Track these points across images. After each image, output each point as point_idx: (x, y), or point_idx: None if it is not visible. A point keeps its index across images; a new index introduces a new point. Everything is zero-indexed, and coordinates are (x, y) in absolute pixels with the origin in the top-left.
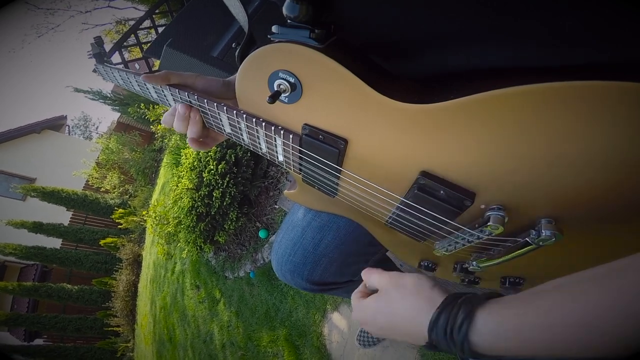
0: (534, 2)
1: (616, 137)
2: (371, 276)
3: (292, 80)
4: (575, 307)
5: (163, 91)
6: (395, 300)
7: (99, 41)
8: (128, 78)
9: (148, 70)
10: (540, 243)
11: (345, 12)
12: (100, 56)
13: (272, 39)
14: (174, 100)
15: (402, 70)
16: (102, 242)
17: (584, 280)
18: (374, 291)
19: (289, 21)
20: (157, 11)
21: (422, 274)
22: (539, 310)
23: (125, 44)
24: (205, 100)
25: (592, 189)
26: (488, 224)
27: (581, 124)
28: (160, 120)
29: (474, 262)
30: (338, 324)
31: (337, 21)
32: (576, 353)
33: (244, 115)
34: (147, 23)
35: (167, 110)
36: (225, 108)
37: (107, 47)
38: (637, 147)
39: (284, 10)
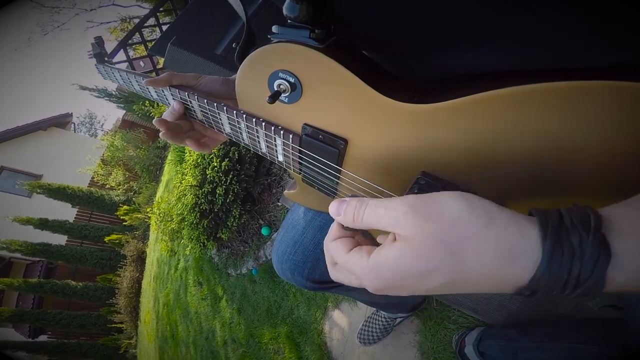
0: (533, 3)
1: (616, 135)
2: (365, 211)
3: (292, 80)
4: None
5: (163, 91)
6: (456, 247)
7: (99, 41)
8: (128, 78)
9: (153, 68)
10: None
11: (345, 13)
12: (101, 56)
13: (272, 39)
14: (173, 99)
15: (402, 70)
16: (106, 239)
17: None
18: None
19: (289, 21)
20: (161, 9)
21: (455, 192)
22: None
23: (129, 42)
24: (205, 100)
25: (592, 187)
26: None
27: (580, 124)
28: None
29: None
30: (339, 322)
31: (337, 21)
32: None
33: (244, 115)
34: (151, 21)
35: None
36: (225, 108)
37: (112, 45)
38: (636, 145)
39: (284, 10)
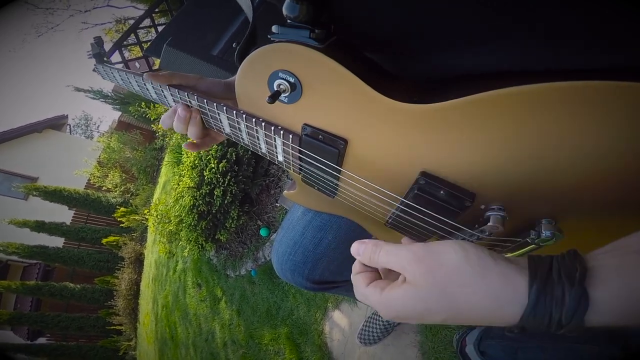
0: (533, 3)
1: (616, 135)
2: (379, 256)
3: (292, 80)
4: None
5: (163, 91)
6: (451, 292)
7: (98, 41)
8: (128, 78)
9: (148, 69)
10: (540, 243)
11: (345, 13)
12: (100, 56)
13: (272, 39)
14: (173, 100)
15: (402, 70)
16: (104, 240)
17: None
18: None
19: (289, 21)
20: (156, 10)
21: (451, 240)
22: None
23: (125, 43)
24: (205, 100)
25: (592, 187)
26: (488, 224)
27: (580, 124)
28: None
29: None
30: (339, 322)
31: (337, 21)
32: None
33: (244, 116)
34: (147, 22)
35: (167, 109)
36: (225, 108)
37: (107, 46)
38: (635, 144)
39: (284, 10)
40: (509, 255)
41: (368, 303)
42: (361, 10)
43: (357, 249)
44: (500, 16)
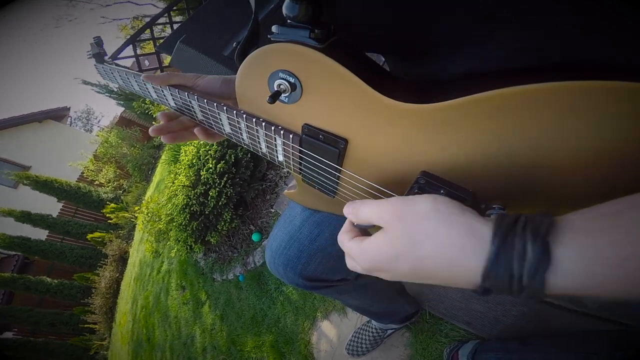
0: (532, 3)
1: (615, 135)
2: (361, 209)
3: (292, 80)
4: None
5: (163, 91)
6: (417, 239)
7: (98, 41)
8: (128, 78)
9: (159, 66)
10: None
11: (345, 12)
12: (100, 56)
13: (272, 39)
14: (173, 100)
15: (402, 70)
16: (89, 236)
17: None
18: (365, 231)
19: (288, 21)
20: (174, 8)
21: (429, 194)
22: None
23: (139, 38)
24: (205, 100)
25: (592, 187)
26: None
27: (580, 123)
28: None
29: None
30: (327, 333)
31: (337, 21)
32: None
33: (244, 115)
34: (164, 19)
35: (167, 109)
36: (225, 108)
37: (121, 41)
38: (635, 144)
39: (284, 10)
40: None
41: (352, 263)
42: (361, 11)
43: (347, 206)
44: (500, 16)
